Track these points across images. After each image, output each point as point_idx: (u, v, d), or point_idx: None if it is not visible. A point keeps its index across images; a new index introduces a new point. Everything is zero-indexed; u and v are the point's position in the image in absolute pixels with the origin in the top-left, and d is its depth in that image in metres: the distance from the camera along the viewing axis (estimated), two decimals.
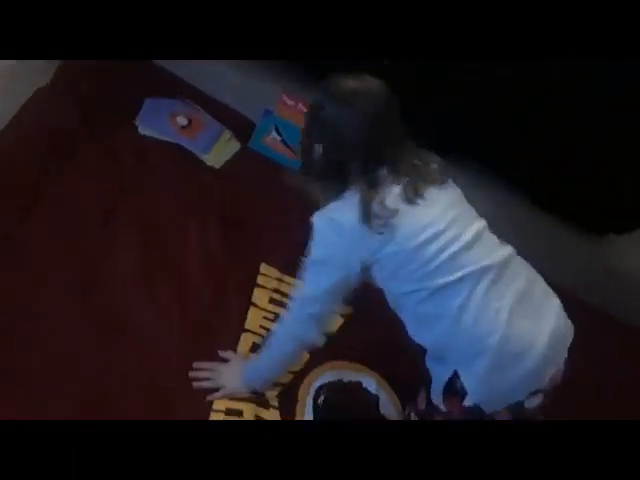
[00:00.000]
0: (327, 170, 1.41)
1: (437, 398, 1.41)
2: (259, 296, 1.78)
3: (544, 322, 1.34)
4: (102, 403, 1.42)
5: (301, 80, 2.07)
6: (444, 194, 1.39)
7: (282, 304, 1.78)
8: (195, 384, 1.54)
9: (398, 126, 1.37)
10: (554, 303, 1.39)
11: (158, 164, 1.97)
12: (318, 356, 1.66)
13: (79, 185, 1.80)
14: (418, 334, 1.42)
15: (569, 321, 1.39)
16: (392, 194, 1.33)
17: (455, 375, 1.35)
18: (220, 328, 1.67)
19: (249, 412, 1.53)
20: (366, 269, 1.40)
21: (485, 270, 1.32)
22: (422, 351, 1.43)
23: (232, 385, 1.55)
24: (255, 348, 1.67)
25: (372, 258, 1.37)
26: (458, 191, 1.44)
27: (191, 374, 1.56)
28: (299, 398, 1.63)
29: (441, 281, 1.32)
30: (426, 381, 1.45)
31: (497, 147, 2.05)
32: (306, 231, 1.97)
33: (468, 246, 1.34)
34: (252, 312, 1.74)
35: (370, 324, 1.73)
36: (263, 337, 1.69)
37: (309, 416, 1.60)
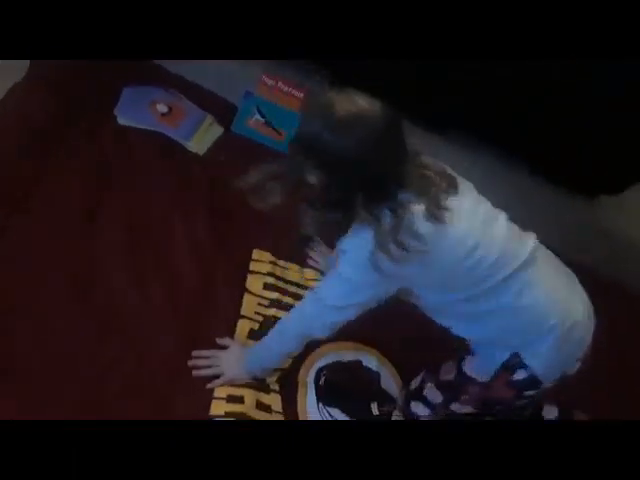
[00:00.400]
0: (333, 204, 1.30)
1: (485, 375, 1.42)
2: (252, 282, 1.77)
3: (577, 293, 1.39)
4: (102, 403, 1.41)
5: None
6: (465, 197, 1.32)
7: (276, 288, 1.78)
8: (195, 372, 1.53)
9: (403, 142, 1.26)
10: (572, 273, 1.42)
11: (141, 155, 1.94)
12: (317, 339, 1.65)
13: (64, 181, 1.77)
14: (469, 331, 1.43)
15: None
16: (417, 217, 1.23)
17: (513, 355, 1.36)
18: (215, 317, 1.66)
19: (250, 398, 1.53)
20: (404, 289, 1.39)
21: (527, 261, 1.32)
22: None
23: (232, 372, 1.54)
24: (252, 334, 1.66)
25: (410, 283, 1.37)
26: (471, 185, 1.37)
27: (190, 363, 1.55)
28: (299, 382, 1.63)
29: (489, 284, 1.31)
30: (457, 354, 1.48)
31: (490, 117, 2.03)
32: (296, 213, 1.98)
33: (505, 244, 1.32)
34: (247, 298, 1.73)
35: None
36: (259, 323, 1.69)
37: (311, 399, 1.60)
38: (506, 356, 1.37)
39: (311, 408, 1.59)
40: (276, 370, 1.60)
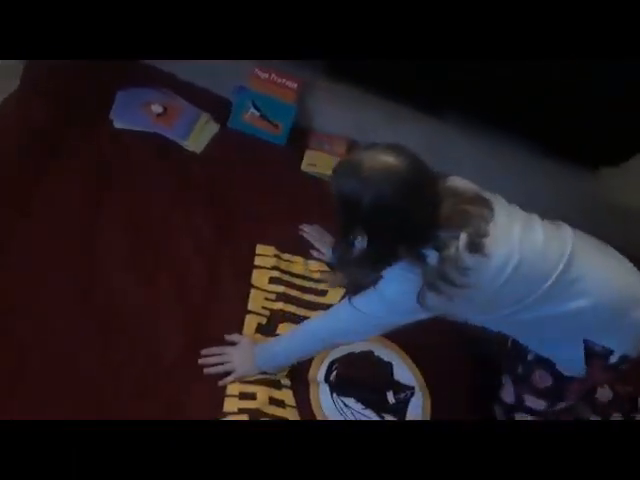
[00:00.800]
0: (372, 256, 1.30)
1: (580, 371, 1.42)
2: (258, 277, 1.76)
3: (624, 263, 1.41)
4: (106, 403, 1.40)
5: None
6: (500, 217, 1.30)
7: (282, 281, 1.77)
8: (206, 370, 1.52)
9: (435, 188, 1.27)
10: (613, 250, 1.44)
11: (139, 156, 1.94)
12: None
13: (64, 181, 1.77)
14: (525, 340, 1.46)
15: None
16: (461, 250, 1.23)
17: (591, 343, 1.37)
18: (222, 314, 1.65)
19: (263, 394, 1.51)
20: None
21: (571, 257, 1.31)
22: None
23: (243, 367, 1.53)
24: (260, 328, 1.65)
25: (453, 311, 1.38)
26: (501, 200, 1.37)
27: (200, 361, 1.54)
28: (311, 377, 1.61)
29: (540, 292, 1.31)
30: (510, 371, 1.54)
31: (487, 97, 2.02)
32: (298, 206, 1.98)
33: (545, 251, 1.31)
34: (253, 294, 1.72)
35: None
36: (267, 317, 1.68)
37: (324, 391, 1.59)
38: (582, 349, 1.38)
39: (325, 400, 1.57)
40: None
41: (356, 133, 2.22)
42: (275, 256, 1.83)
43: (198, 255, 1.76)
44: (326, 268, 1.85)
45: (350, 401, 1.60)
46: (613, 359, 1.39)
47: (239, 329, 1.64)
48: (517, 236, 1.30)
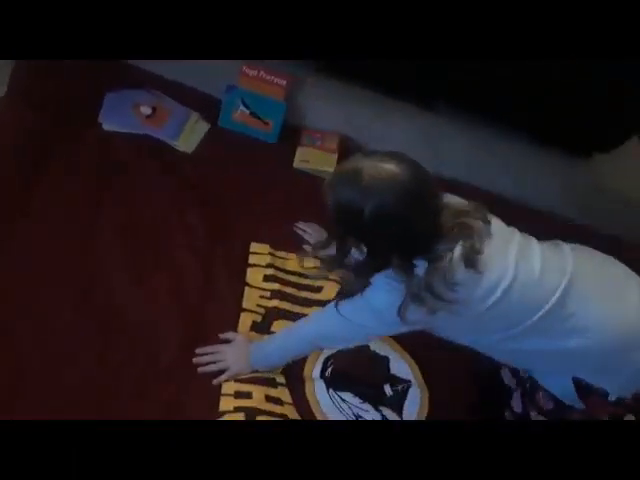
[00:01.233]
0: (369, 265, 1.26)
1: (575, 403, 1.40)
2: (252, 275, 1.75)
3: (630, 291, 1.33)
4: (104, 403, 1.40)
5: None
6: (496, 237, 1.26)
7: (277, 279, 1.76)
8: (200, 369, 1.52)
9: (435, 198, 1.23)
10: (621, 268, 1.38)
11: (131, 158, 1.93)
12: None
13: (62, 182, 1.77)
14: (533, 374, 1.43)
15: None
16: (455, 264, 1.20)
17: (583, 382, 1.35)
18: (217, 313, 1.65)
19: (259, 392, 1.50)
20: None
21: (567, 290, 1.27)
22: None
23: (237, 365, 1.52)
24: (255, 326, 1.64)
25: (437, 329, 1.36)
26: (500, 222, 1.34)
27: (195, 360, 1.53)
28: (306, 374, 1.60)
29: (529, 322, 1.28)
30: (519, 383, 1.51)
31: (479, 89, 2.02)
32: (291, 203, 1.97)
33: (541, 278, 1.27)
34: (248, 292, 1.71)
35: None
36: (262, 315, 1.67)
37: (320, 387, 1.58)
38: (570, 381, 1.36)
39: (321, 396, 1.57)
40: None
41: (348, 128, 2.21)
42: (269, 254, 1.82)
43: (193, 255, 1.75)
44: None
45: (347, 395, 1.59)
46: (613, 397, 1.34)
47: (235, 327, 1.63)
48: (512, 259, 1.26)
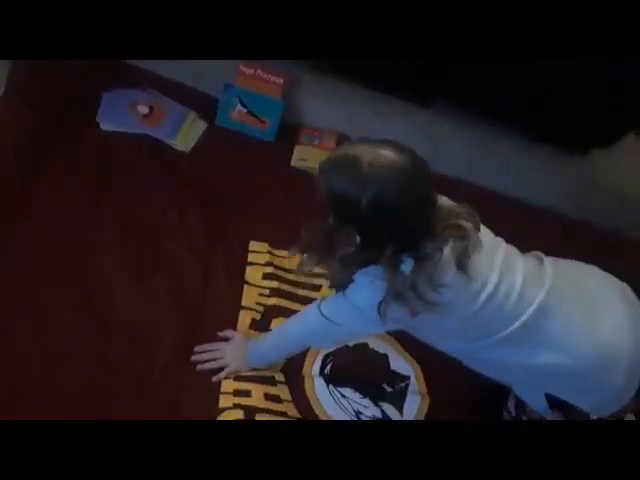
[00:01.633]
0: (359, 257, 1.22)
1: (546, 413, 1.40)
2: (252, 274, 1.76)
3: (614, 312, 1.32)
4: (104, 403, 1.41)
5: None
6: (485, 243, 1.24)
7: (275, 277, 1.76)
8: (199, 367, 1.52)
9: (431, 191, 1.19)
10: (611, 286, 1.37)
11: (130, 157, 1.93)
12: None
13: (62, 182, 1.78)
14: (497, 376, 1.43)
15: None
16: (444, 265, 1.17)
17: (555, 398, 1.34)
18: (216, 312, 1.65)
19: (258, 391, 1.51)
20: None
21: (544, 305, 1.26)
22: None
23: (236, 363, 1.53)
24: (254, 324, 1.65)
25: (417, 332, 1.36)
26: (488, 231, 1.32)
27: (193, 358, 1.54)
28: (305, 371, 1.61)
29: (505, 332, 1.27)
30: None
31: (479, 80, 2.02)
32: (289, 201, 1.97)
33: (522, 290, 1.26)
34: (247, 290, 1.72)
35: None
36: (261, 313, 1.68)
37: (320, 384, 1.59)
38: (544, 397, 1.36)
39: (322, 392, 1.57)
40: None
41: (346, 127, 2.21)
42: (268, 252, 1.82)
43: (193, 254, 1.76)
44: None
45: (347, 391, 1.60)
46: (593, 416, 1.34)
47: (234, 326, 1.64)
48: (497, 268, 1.26)
